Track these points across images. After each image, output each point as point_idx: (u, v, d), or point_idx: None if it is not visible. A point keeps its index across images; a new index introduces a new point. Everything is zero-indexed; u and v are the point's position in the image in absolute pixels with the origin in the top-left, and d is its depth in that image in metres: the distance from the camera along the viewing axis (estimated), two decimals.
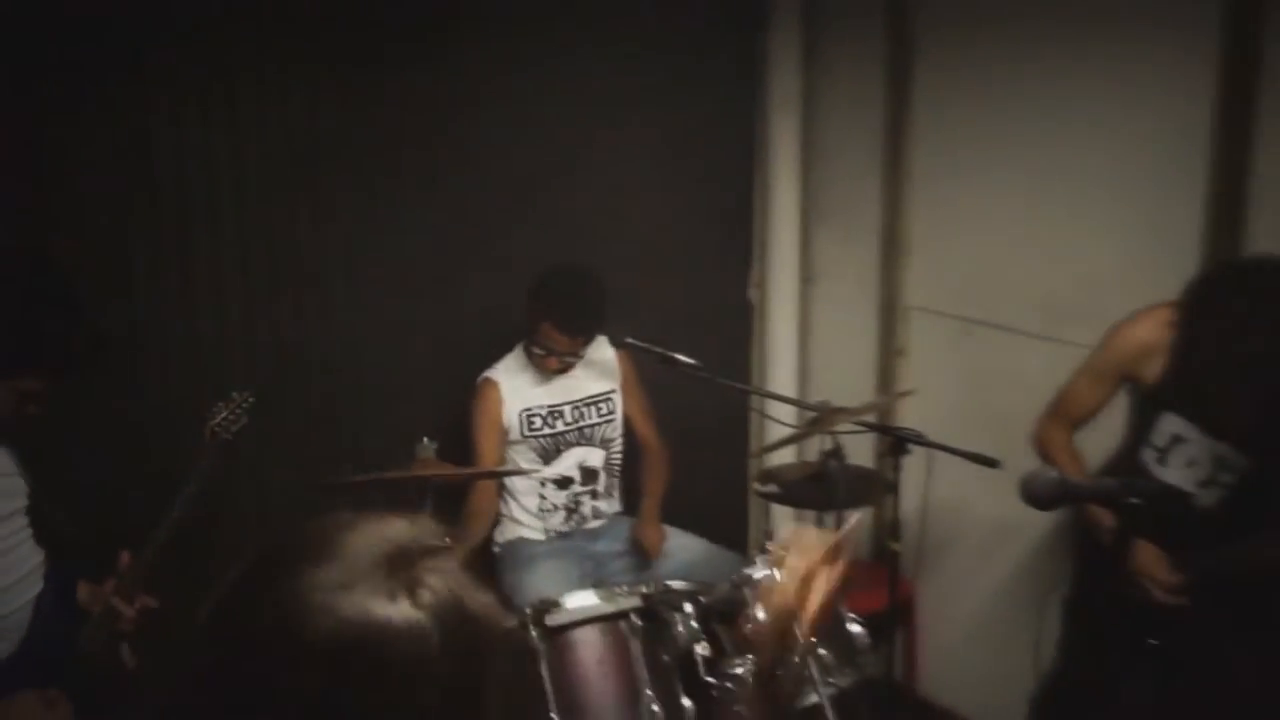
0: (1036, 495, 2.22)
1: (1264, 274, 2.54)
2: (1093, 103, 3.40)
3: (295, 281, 3.51)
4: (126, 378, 3.19)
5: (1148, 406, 2.89)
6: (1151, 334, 2.80)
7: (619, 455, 3.81)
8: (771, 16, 4.25)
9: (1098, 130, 3.40)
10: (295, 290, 3.52)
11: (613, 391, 3.78)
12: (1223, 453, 2.76)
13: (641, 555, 3.67)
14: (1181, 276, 2.73)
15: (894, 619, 3.45)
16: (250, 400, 2.82)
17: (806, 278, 4.48)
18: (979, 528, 3.84)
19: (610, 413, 3.77)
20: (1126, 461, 2.93)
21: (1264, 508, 2.71)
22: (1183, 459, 2.81)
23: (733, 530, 4.43)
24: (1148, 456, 2.87)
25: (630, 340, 3.50)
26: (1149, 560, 2.77)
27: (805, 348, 4.53)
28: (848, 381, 4.20)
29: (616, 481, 3.84)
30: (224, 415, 2.78)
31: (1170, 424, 2.82)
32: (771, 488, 3.49)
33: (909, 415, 3.98)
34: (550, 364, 3.63)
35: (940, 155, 3.92)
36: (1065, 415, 3.02)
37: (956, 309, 3.92)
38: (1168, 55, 3.19)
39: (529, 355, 3.67)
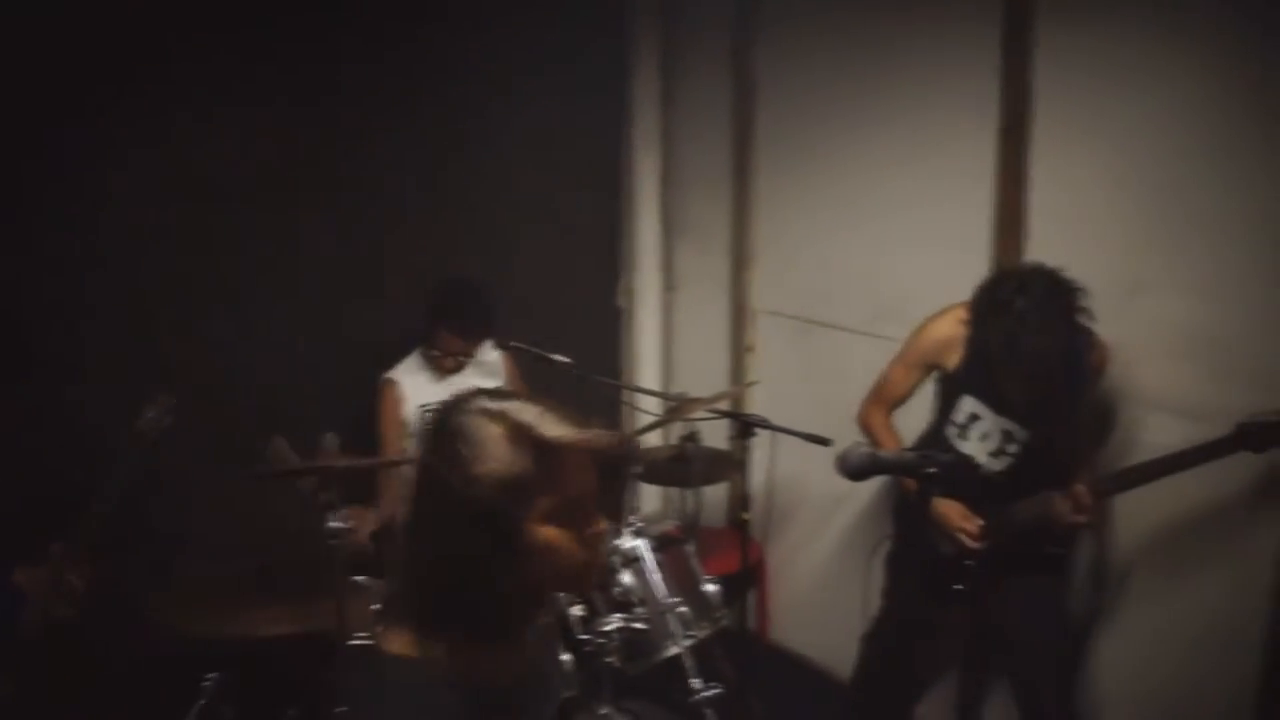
0: (850, 468, 2.25)
1: (1040, 279, 2.60)
2: (902, 136, 3.49)
3: (214, 294, 3.47)
4: (56, 383, 3.12)
5: (949, 390, 2.96)
6: (950, 329, 2.86)
7: None
8: (634, 66, 4.32)
9: (907, 159, 3.48)
10: (214, 300, 3.47)
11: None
12: (1009, 427, 2.85)
13: None
14: (975, 280, 2.77)
15: (746, 578, 3.50)
16: (174, 402, 2.77)
17: (668, 286, 4.54)
18: (816, 497, 3.89)
19: None
20: (934, 437, 3.00)
21: (1042, 472, 2.80)
22: (978, 433, 2.90)
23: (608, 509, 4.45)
24: (951, 432, 2.95)
25: (513, 343, 3.53)
26: (953, 515, 2.86)
27: (668, 347, 4.58)
28: (705, 375, 4.24)
29: None
30: (150, 416, 2.73)
31: (967, 404, 2.90)
32: (636, 469, 3.52)
33: (757, 403, 4.03)
34: (446, 364, 3.64)
35: (780, 180, 3.99)
36: (883, 399, 3.09)
37: (796, 311, 3.99)
38: (959, 94, 3.28)
39: (426, 357, 3.67)
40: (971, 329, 2.72)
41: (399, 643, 1.37)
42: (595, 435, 1.38)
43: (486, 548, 1.31)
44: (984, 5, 3.14)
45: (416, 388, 3.67)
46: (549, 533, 1.34)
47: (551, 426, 1.35)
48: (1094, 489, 2.69)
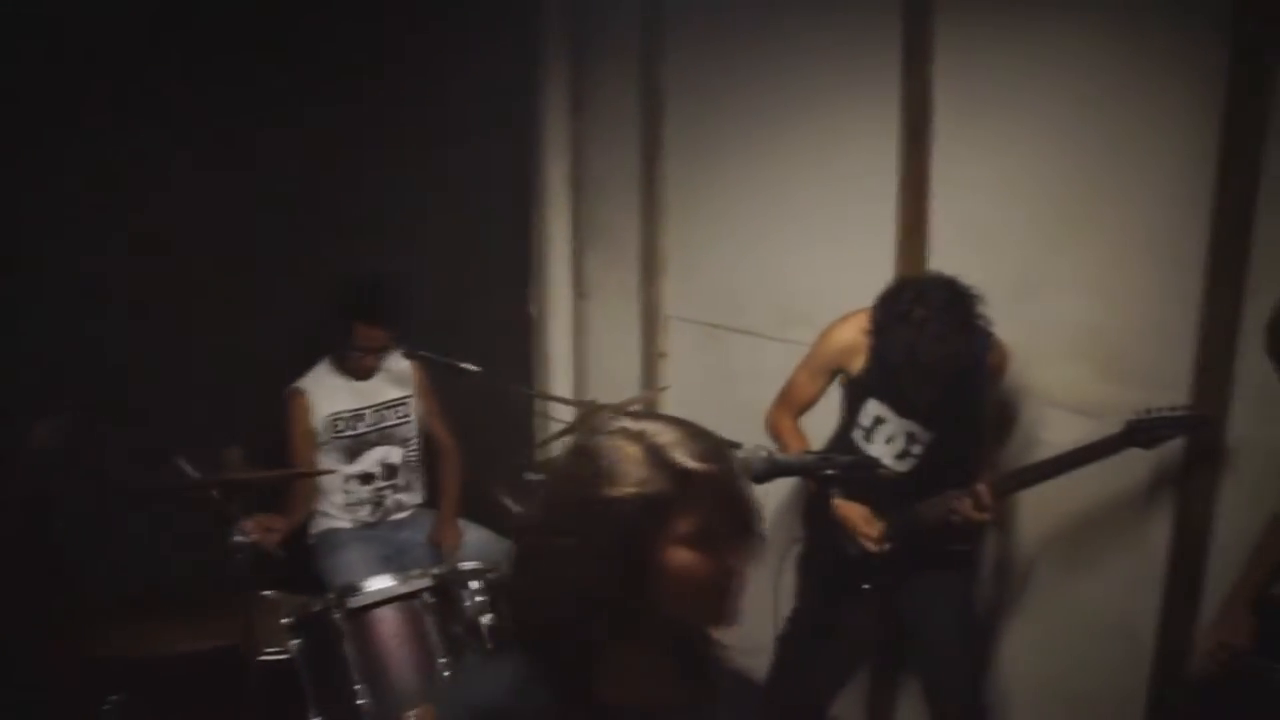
0: (750, 472, 2.26)
1: (938, 288, 2.64)
2: (809, 143, 3.51)
3: (115, 307, 3.37)
4: None
5: (854, 394, 2.98)
6: (853, 334, 2.88)
7: (416, 452, 3.78)
8: (544, 75, 4.32)
9: (813, 165, 3.51)
10: (117, 312, 3.38)
11: (408, 396, 3.75)
12: (913, 429, 2.88)
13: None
14: (881, 283, 2.80)
15: None
16: (67, 418, 2.70)
17: (579, 294, 4.52)
18: None
19: (406, 415, 3.74)
20: (841, 440, 3.02)
21: (946, 473, 2.83)
22: (883, 436, 2.92)
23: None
24: (857, 435, 2.96)
25: (421, 352, 3.53)
26: (857, 518, 2.88)
27: (580, 353, 4.56)
28: (617, 382, 4.23)
29: (417, 476, 3.80)
30: (42, 433, 2.65)
31: (872, 408, 2.92)
32: (540, 476, 3.47)
33: (669, 409, 4.01)
34: (367, 361, 3.60)
35: (688, 188, 4.00)
36: (790, 404, 3.09)
37: (706, 317, 3.99)
38: (863, 101, 3.31)
39: (338, 364, 3.62)
40: (874, 338, 2.75)
41: (507, 659, 1.35)
42: (733, 460, 1.35)
43: (620, 570, 1.28)
44: (885, 15, 3.18)
45: (326, 397, 3.62)
46: (685, 557, 1.30)
47: (690, 449, 1.31)
48: (994, 488, 2.74)
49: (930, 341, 2.55)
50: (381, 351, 3.61)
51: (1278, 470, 2.38)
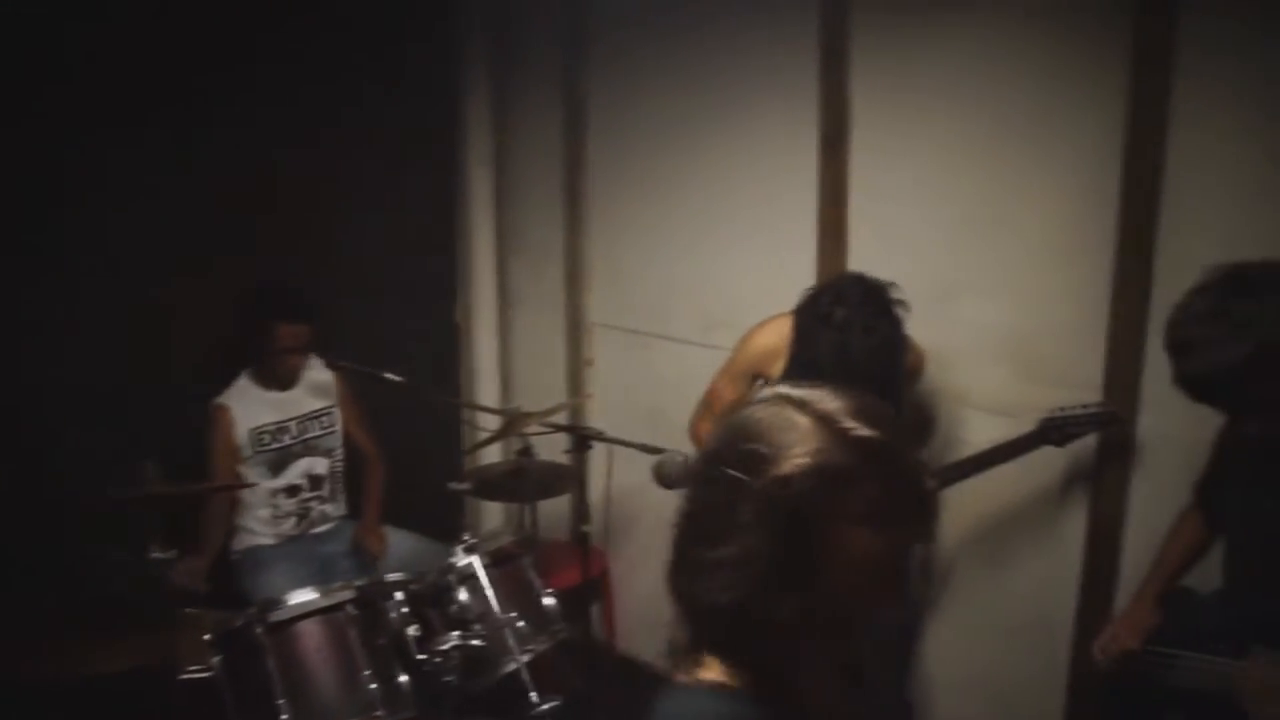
0: (665, 478, 2.25)
1: (852, 284, 2.66)
2: (729, 150, 3.53)
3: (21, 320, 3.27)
4: None
5: None
6: (772, 339, 2.88)
7: (341, 463, 3.73)
8: (467, 84, 4.30)
9: (735, 172, 3.53)
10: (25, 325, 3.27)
11: (332, 407, 3.70)
12: None
13: (365, 556, 3.60)
14: (802, 288, 2.78)
15: (589, 590, 3.49)
16: None
17: (505, 303, 4.50)
18: (656, 507, 3.63)
19: (330, 426, 3.68)
20: None
21: None
22: None
23: (450, 524, 4.40)
24: None
25: (343, 363, 3.49)
26: None
27: (506, 362, 4.54)
28: (544, 390, 4.20)
29: (341, 487, 3.74)
30: None
31: None
32: (465, 485, 3.46)
33: (597, 416, 4.05)
34: (292, 362, 3.53)
35: (611, 195, 4.00)
36: (711, 410, 3.06)
37: (631, 324, 4.00)
38: (782, 107, 3.34)
39: (259, 377, 3.56)
40: (798, 347, 2.74)
41: (705, 670, 1.22)
42: (902, 434, 1.20)
43: (792, 552, 1.14)
44: (802, 22, 3.21)
45: (249, 410, 3.54)
46: (862, 535, 1.15)
47: (862, 415, 1.18)
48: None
49: (858, 336, 2.54)
50: (306, 351, 3.55)
51: (1186, 465, 2.41)
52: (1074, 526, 2.86)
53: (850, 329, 2.57)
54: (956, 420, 3.07)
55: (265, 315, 3.49)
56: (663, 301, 3.88)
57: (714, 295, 3.67)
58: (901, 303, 2.63)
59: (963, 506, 3.06)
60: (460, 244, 4.46)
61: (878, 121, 3.13)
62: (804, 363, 2.76)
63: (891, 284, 2.63)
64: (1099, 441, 2.77)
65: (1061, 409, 2.63)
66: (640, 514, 3.97)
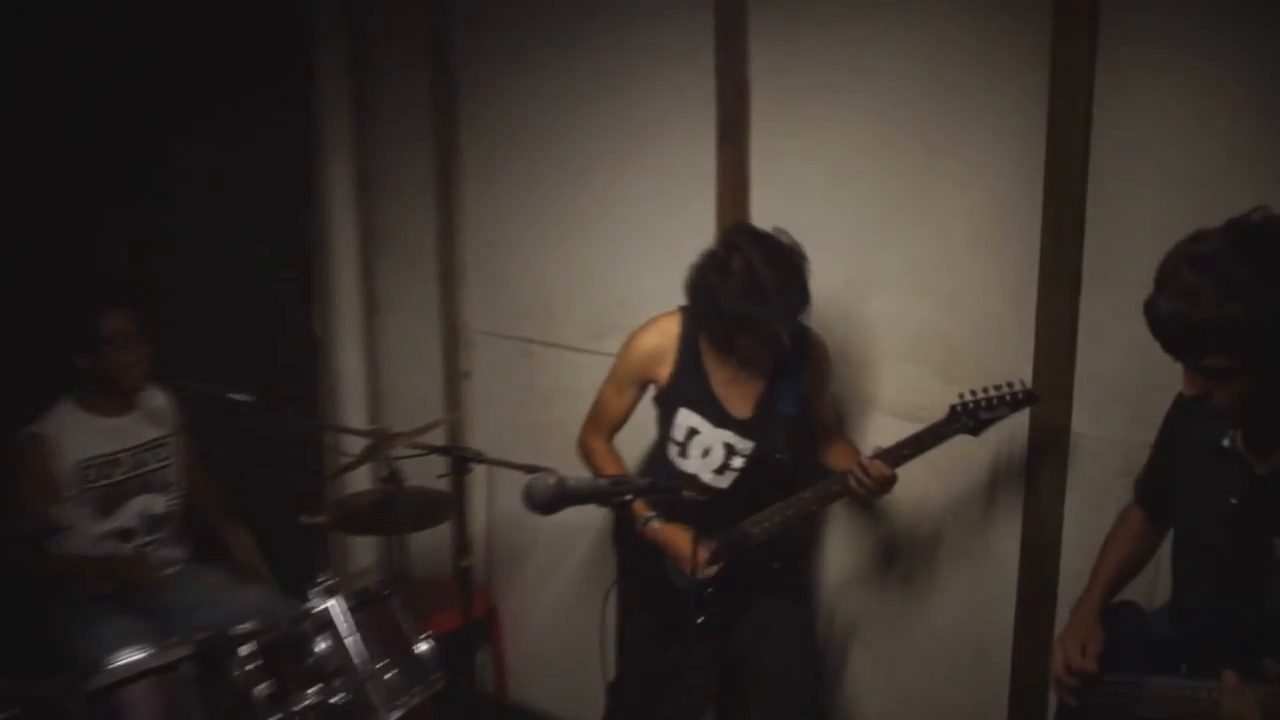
0: (535, 502, 2.13)
1: (740, 233, 2.65)
2: (620, 139, 3.46)
3: None
4: None
5: (665, 404, 2.90)
6: (656, 340, 2.85)
7: (179, 500, 3.40)
8: (319, 63, 4.12)
9: (626, 163, 3.46)
10: None
11: (168, 436, 3.37)
12: (730, 440, 2.82)
13: (216, 603, 3.30)
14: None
15: (470, 632, 3.29)
16: None
17: (371, 309, 4.35)
18: (544, 535, 3.78)
19: (167, 458, 3.36)
20: (657, 457, 2.94)
21: (769, 486, 2.78)
22: (699, 449, 2.84)
23: (309, 564, 4.18)
24: (671, 451, 2.88)
25: (181, 382, 3.21)
26: (680, 544, 2.76)
27: (375, 376, 4.40)
28: (418, 407, 4.03)
29: (182, 527, 3.43)
30: None
31: (684, 418, 2.84)
32: (320, 518, 3.25)
33: (477, 434, 3.94)
34: (133, 374, 3.21)
35: (489, 190, 3.89)
36: (600, 423, 3.00)
37: (514, 330, 3.90)
38: (676, 95, 3.27)
39: (83, 401, 3.21)
40: (682, 336, 2.77)
41: None
42: None
43: None
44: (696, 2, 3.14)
45: (73, 440, 3.17)
46: None
47: None
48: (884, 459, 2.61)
49: (764, 268, 2.53)
50: (140, 354, 3.22)
51: (1126, 469, 2.38)
52: (1007, 538, 2.82)
53: (754, 265, 2.56)
54: (870, 424, 3.05)
55: (82, 306, 3.15)
56: (548, 305, 3.79)
57: (604, 298, 3.59)
58: (795, 244, 2.63)
59: (883, 520, 3.02)
60: (318, 243, 4.27)
61: (780, 106, 3.08)
62: (691, 361, 2.77)
63: (778, 229, 2.64)
64: (1030, 445, 2.74)
65: (973, 392, 2.56)
66: (530, 545, 3.85)
